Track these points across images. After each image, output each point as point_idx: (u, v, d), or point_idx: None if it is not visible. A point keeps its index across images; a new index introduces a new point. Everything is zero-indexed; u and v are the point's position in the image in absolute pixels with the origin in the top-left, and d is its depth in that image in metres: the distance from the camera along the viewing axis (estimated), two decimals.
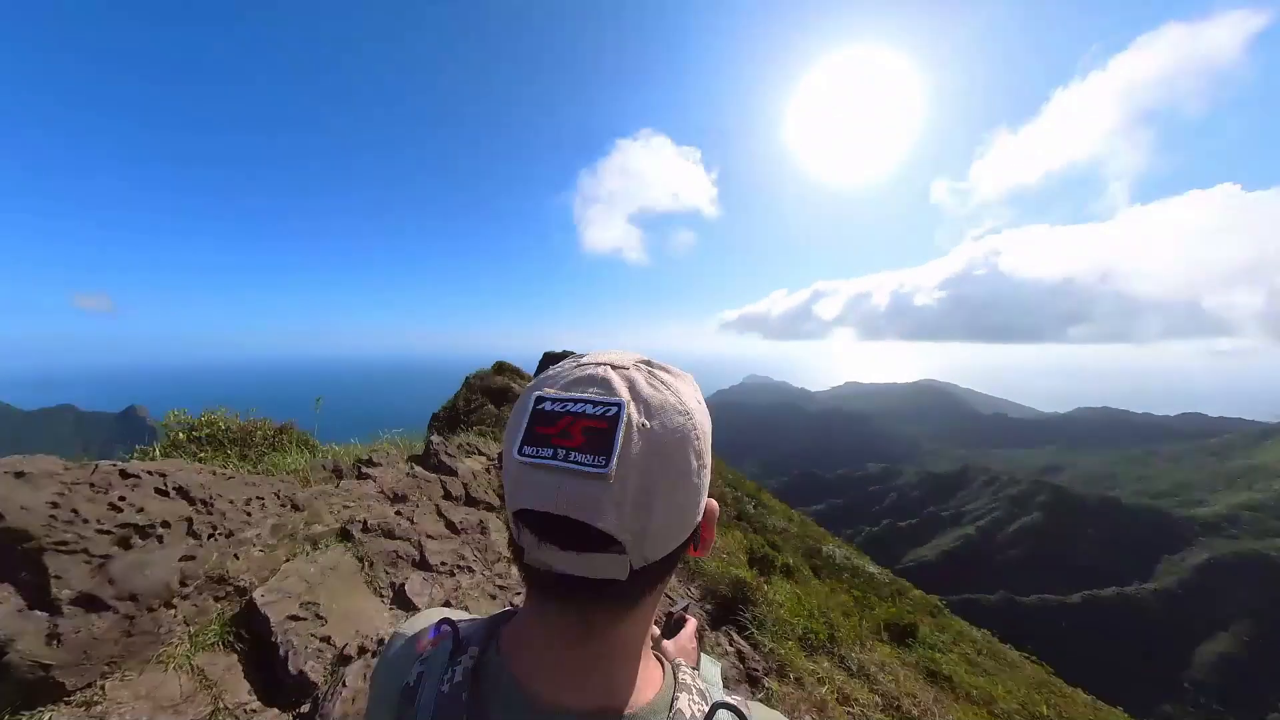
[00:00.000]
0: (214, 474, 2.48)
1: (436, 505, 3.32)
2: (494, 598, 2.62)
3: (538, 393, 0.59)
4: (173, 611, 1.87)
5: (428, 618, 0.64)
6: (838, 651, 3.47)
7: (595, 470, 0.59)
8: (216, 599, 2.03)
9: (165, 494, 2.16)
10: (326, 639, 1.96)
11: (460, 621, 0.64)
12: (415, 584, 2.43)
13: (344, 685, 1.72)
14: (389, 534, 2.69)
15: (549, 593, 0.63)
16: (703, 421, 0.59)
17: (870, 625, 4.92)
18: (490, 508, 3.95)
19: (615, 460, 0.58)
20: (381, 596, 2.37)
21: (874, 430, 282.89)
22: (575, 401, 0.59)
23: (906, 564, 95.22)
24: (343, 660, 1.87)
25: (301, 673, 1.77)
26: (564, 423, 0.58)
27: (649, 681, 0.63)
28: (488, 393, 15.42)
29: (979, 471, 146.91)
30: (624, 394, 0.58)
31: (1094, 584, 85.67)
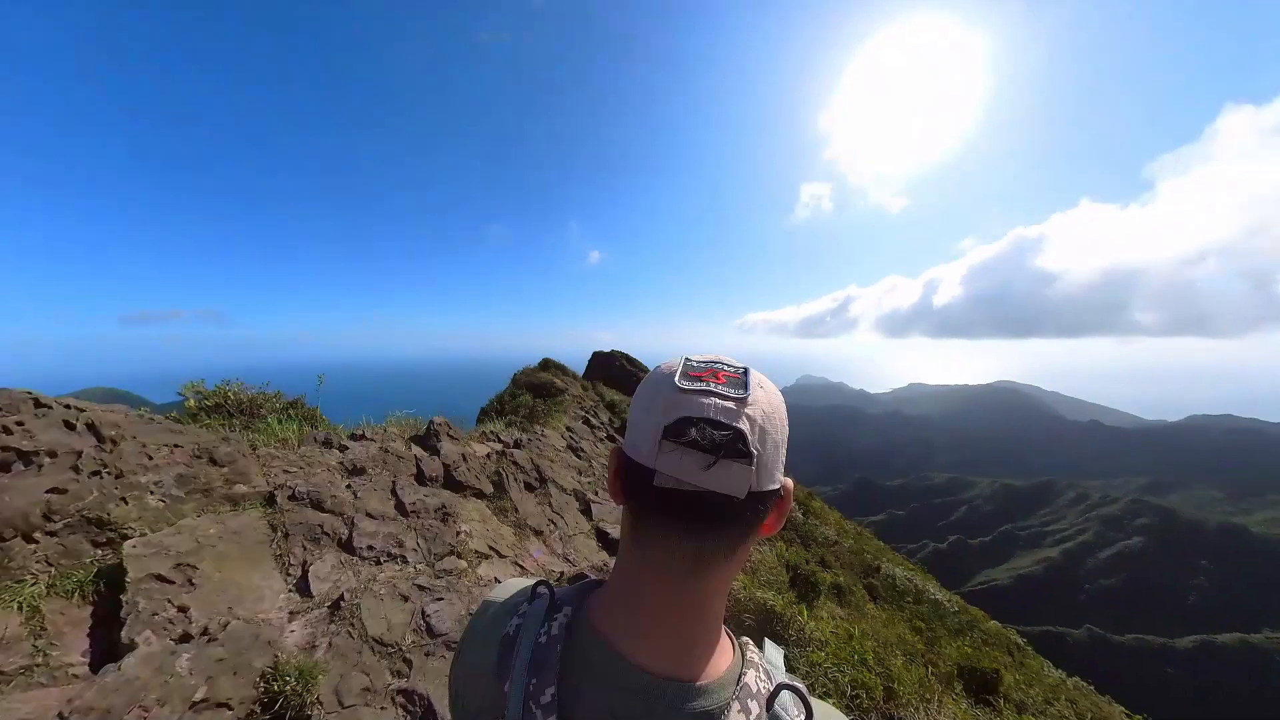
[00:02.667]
0: (139, 417, 2.26)
1: (394, 483, 2.96)
2: (406, 599, 2.18)
3: (685, 356, 0.76)
4: (32, 547, 1.68)
5: (520, 584, 0.73)
6: (896, 714, 2.78)
7: (737, 395, 0.76)
8: (95, 544, 1.84)
9: (72, 427, 2.01)
10: (184, 609, 1.68)
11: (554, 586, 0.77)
12: (323, 568, 2.08)
13: (119, 668, 1.42)
14: (318, 505, 2.35)
15: (670, 517, 0.74)
16: (785, 410, 0.76)
17: (940, 672, 4.11)
18: (480, 494, 3.58)
19: (750, 393, 0.75)
20: (288, 574, 2.04)
21: (941, 436, 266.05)
22: (714, 363, 0.76)
23: (975, 586, 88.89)
24: (186, 638, 1.55)
25: (133, 641, 1.53)
26: (709, 371, 0.76)
27: (723, 652, 0.74)
28: (531, 387, 15.73)
29: (1066, 486, 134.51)
30: (746, 366, 0.77)
31: (1209, 627, 75.83)
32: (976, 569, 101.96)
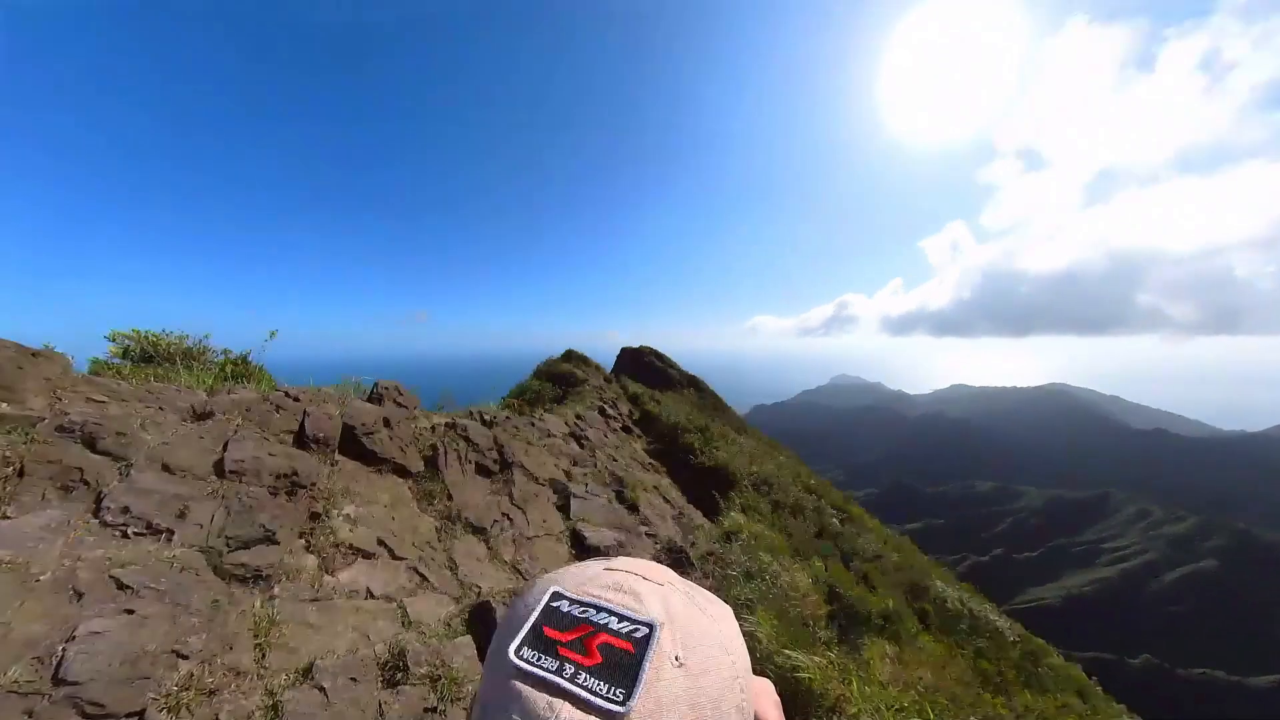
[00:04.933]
0: None
1: (232, 434, 2.20)
2: (85, 592, 1.38)
3: (555, 588, 0.49)
4: None
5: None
6: None
7: (608, 704, 0.48)
8: None
9: None
10: None
11: None
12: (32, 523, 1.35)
13: None
14: (91, 443, 1.69)
15: None
16: (745, 664, 0.48)
17: None
18: (402, 471, 2.84)
19: (636, 699, 0.48)
20: None
21: (986, 441, 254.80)
22: (598, 609, 0.49)
23: (1020, 605, 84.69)
24: None
25: None
26: (581, 631, 0.49)
27: None
28: (551, 377, 15.48)
29: (1127, 499, 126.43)
30: (658, 613, 0.49)
31: None
32: (1022, 586, 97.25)
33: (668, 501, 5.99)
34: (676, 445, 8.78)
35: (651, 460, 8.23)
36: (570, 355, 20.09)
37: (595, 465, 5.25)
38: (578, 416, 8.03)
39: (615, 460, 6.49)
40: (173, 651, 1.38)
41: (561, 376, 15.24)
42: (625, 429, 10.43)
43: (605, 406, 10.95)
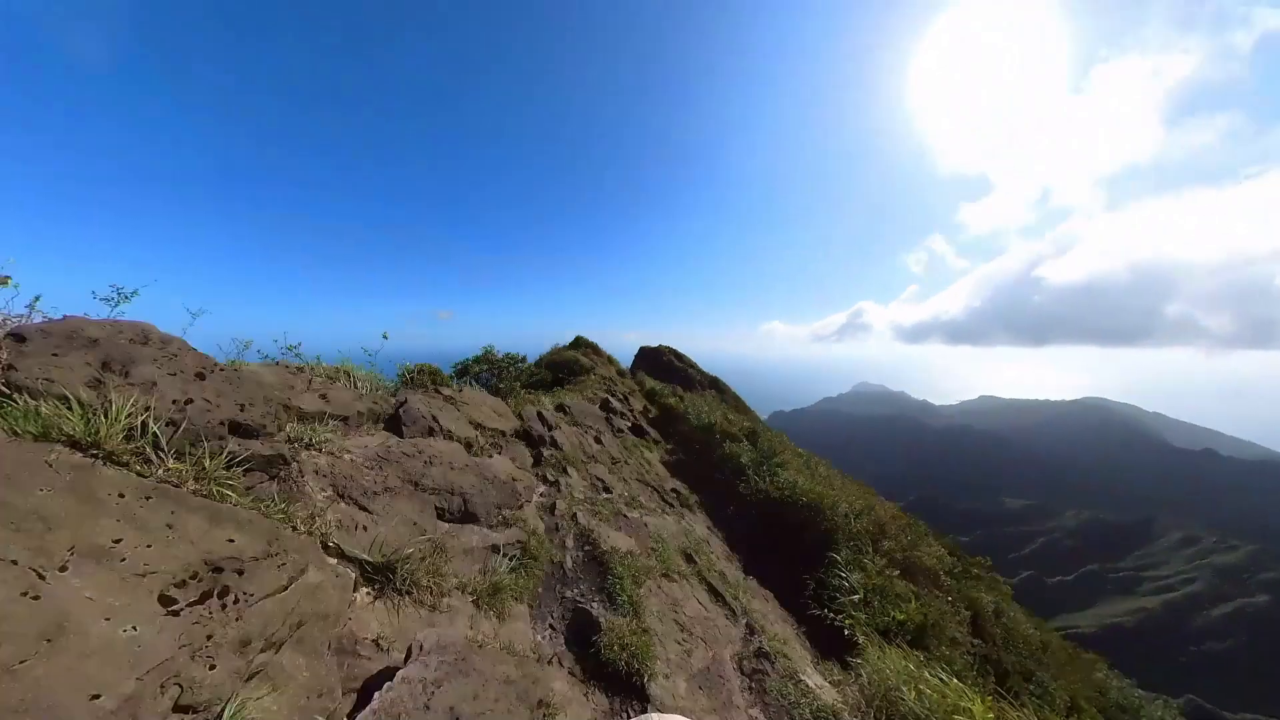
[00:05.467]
0: None
1: None
2: None
3: None
4: None
5: None
6: None
7: None
8: None
9: None
10: None
11: None
12: None
13: None
14: None
15: None
16: None
17: None
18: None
19: None
20: None
21: (1016, 456, 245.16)
22: None
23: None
24: None
25: None
26: None
27: None
28: (553, 365, 13.12)
29: (1173, 525, 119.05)
30: None
31: None
32: (1053, 612, 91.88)
33: (718, 597, 3.15)
34: (711, 458, 6.04)
35: (675, 486, 5.45)
36: (579, 342, 17.45)
37: (556, 492, 2.52)
38: (558, 406, 5.34)
39: (605, 492, 3.60)
40: None
41: (564, 364, 12.54)
42: (636, 429, 7.71)
43: (611, 399, 8.22)
